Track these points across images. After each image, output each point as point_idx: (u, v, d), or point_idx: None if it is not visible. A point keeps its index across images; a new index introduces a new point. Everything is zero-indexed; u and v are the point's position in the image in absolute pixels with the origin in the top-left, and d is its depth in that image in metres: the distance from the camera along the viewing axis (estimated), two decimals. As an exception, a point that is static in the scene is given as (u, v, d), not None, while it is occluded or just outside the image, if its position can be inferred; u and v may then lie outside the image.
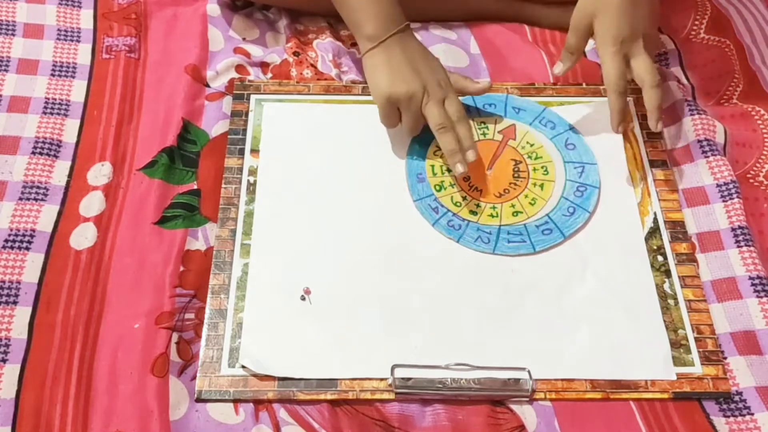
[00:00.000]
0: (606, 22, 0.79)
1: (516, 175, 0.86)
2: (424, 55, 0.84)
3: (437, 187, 0.84)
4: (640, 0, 0.78)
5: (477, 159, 0.82)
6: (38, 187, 0.82)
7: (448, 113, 0.82)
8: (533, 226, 0.82)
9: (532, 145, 0.88)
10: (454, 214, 0.82)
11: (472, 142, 0.82)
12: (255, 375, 0.71)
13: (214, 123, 0.89)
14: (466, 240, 0.80)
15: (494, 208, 0.83)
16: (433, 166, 0.86)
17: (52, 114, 0.88)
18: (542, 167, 0.86)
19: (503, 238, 0.81)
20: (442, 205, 0.83)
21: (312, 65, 0.95)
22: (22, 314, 0.73)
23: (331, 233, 0.81)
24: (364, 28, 0.83)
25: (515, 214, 0.83)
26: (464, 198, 0.83)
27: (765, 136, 0.87)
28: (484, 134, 0.89)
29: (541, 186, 0.85)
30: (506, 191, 0.84)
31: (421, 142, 0.87)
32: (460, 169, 0.81)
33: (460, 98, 0.85)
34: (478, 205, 0.83)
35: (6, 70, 0.91)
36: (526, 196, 0.84)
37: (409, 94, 0.80)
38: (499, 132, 0.89)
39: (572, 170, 0.86)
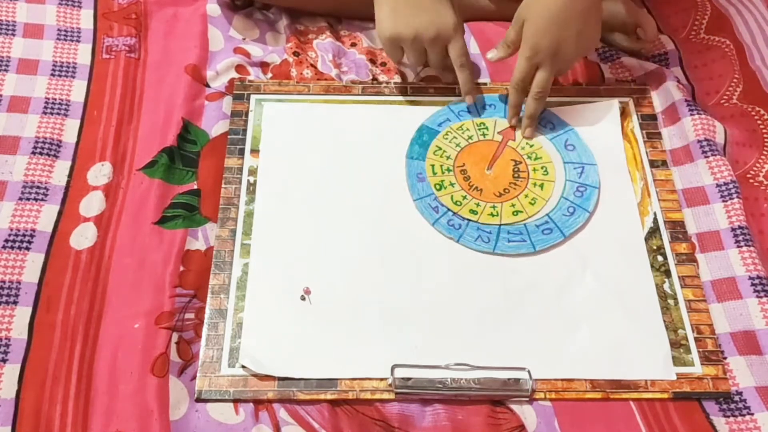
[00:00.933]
0: (531, 29, 0.82)
1: (516, 175, 0.86)
2: None
3: (437, 186, 0.84)
4: (567, 24, 0.80)
5: (477, 159, 0.82)
6: (38, 187, 0.82)
7: (451, 56, 0.85)
8: (533, 225, 0.82)
9: (531, 146, 0.88)
10: (454, 214, 0.82)
11: (470, 86, 0.87)
12: (255, 375, 0.71)
13: (214, 123, 0.89)
14: (466, 239, 0.80)
15: (494, 207, 0.83)
16: (433, 165, 0.86)
17: (52, 114, 0.88)
18: (542, 167, 0.86)
19: (503, 237, 0.81)
20: (442, 204, 0.83)
21: (312, 65, 0.95)
22: (22, 314, 0.73)
23: (331, 233, 0.81)
24: None
25: (515, 213, 0.83)
26: (464, 197, 0.83)
27: (765, 136, 0.87)
28: (483, 135, 0.89)
29: (541, 186, 0.85)
30: (506, 191, 0.84)
31: (421, 142, 0.87)
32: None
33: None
34: (478, 204, 0.83)
35: (6, 70, 0.91)
36: (526, 196, 0.84)
37: (410, 37, 0.83)
38: (498, 133, 0.89)
39: (572, 171, 0.86)
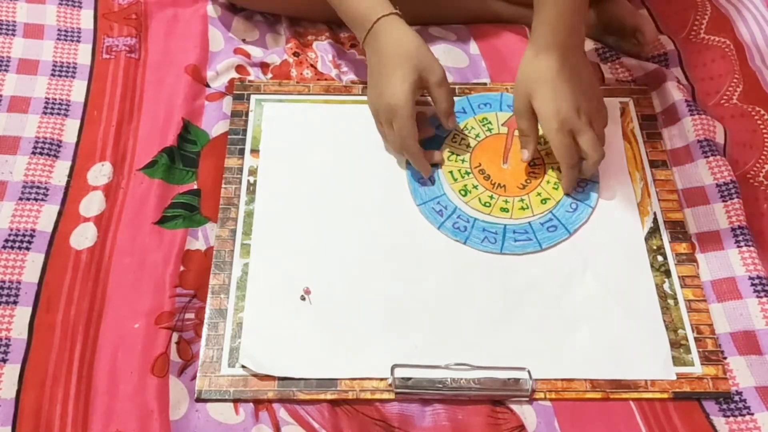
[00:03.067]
0: (544, 101, 0.78)
1: (531, 162, 0.85)
2: (390, 58, 0.80)
3: (462, 192, 0.84)
4: (573, 76, 0.78)
5: (491, 156, 0.84)
6: (38, 187, 0.82)
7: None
8: (538, 223, 0.82)
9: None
10: (458, 216, 0.82)
11: (426, 169, 0.83)
12: (255, 375, 0.71)
13: (214, 123, 0.89)
14: (473, 241, 0.80)
15: (522, 200, 0.83)
16: (451, 172, 0.85)
17: (52, 114, 0.88)
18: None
19: (509, 237, 0.81)
20: (446, 208, 0.82)
21: (312, 65, 0.95)
22: (22, 314, 0.73)
23: (330, 233, 0.81)
24: (356, 35, 0.85)
25: (543, 201, 0.83)
26: (491, 197, 0.83)
27: (765, 136, 0.87)
28: (489, 130, 0.89)
29: (560, 169, 0.83)
30: (528, 181, 0.85)
31: (420, 145, 0.87)
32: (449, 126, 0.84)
33: (457, 98, 0.84)
34: (506, 201, 0.83)
35: (6, 70, 0.91)
36: (548, 182, 0.84)
37: (372, 112, 0.84)
38: (502, 125, 0.89)
39: None
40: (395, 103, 0.79)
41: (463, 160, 0.86)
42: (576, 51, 0.80)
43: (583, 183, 0.85)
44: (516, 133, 0.86)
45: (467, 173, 0.85)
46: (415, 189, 0.84)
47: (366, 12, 0.82)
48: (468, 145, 0.87)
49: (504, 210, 0.82)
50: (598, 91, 0.82)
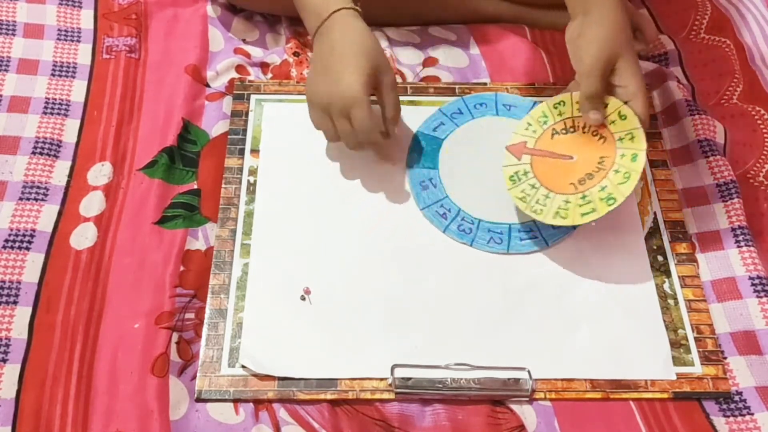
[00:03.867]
0: (629, 60, 0.76)
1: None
2: (345, 50, 0.76)
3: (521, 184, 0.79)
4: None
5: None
6: (38, 187, 0.82)
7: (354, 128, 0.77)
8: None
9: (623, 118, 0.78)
10: (462, 218, 0.82)
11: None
12: (255, 375, 0.71)
13: (214, 123, 0.89)
14: (479, 243, 0.80)
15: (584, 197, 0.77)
16: (517, 171, 0.81)
17: (52, 114, 0.88)
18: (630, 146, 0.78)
19: (515, 236, 0.81)
20: (449, 210, 0.82)
21: (312, 65, 0.95)
22: (22, 314, 0.73)
23: (330, 233, 0.81)
24: (306, 26, 0.82)
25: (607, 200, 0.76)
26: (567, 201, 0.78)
27: (765, 136, 0.87)
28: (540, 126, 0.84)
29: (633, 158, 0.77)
30: (589, 175, 0.78)
31: (420, 150, 0.87)
32: None
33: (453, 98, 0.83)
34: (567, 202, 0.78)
35: (6, 70, 0.91)
36: (617, 171, 0.77)
37: (315, 107, 0.79)
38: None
39: None
40: (353, 95, 0.75)
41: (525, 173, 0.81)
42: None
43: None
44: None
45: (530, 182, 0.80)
46: (417, 194, 0.84)
47: (323, 2, 0.79)
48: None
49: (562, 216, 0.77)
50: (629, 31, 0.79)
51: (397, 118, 0.81)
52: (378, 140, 0.80)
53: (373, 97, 0.79)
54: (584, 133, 0.80)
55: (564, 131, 0.81)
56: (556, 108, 0.82)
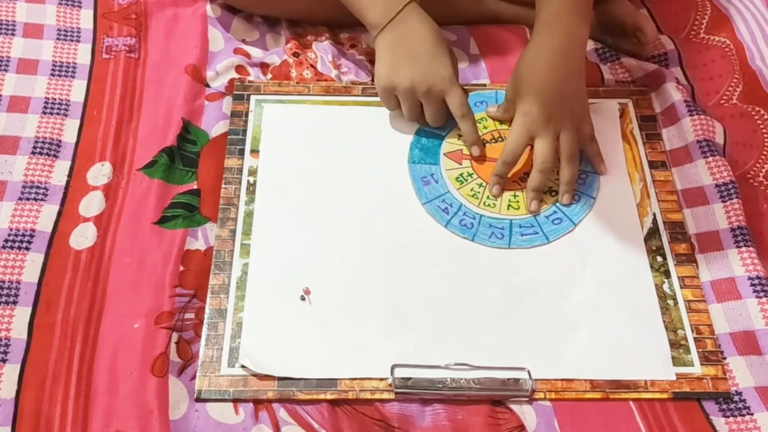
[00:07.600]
0: (525, 103, 0.83)
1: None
2: (431, 41, 0.83)
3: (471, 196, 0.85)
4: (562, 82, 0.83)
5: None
6: (38, 187, 0.82)
7: (451, 109, 0.84)
8: (543, 217, 0.82)
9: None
10: (464, 213, 0.82)
11: (474, 137, 0.85)
12: (255, 375, 0.71)
13: (214, 123, 0.89)
14: (481, 237, 0.81)
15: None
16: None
17: (51, 114, 0.88)
18: None
19: (516, 231, 0.81)
20: (451, 205, 0.83)
21: (312, 66, 0.95)
22: (22, 314, 0.73)
23: (330, 233, 0.81)
24: (366, 17, 0.84)
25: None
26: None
27: (765, 136, 0.87)
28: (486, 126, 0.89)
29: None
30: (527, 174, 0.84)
31: (421, 146, 0.87)
32: (476, 151, 0.86)
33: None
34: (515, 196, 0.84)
35: (6, 70, 0.91)
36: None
37: (404, 88, 0.82)
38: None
39: None
40: (450, 76, 0.82)
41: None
42: (569, 55, 0.82)
43: (584, 175, 0.85)
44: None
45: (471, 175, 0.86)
46: (419, 188, 0.84)
47: None
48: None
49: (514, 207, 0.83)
50: (580, 104, 0.85)
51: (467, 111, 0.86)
52: (470, 113, 0.85)
53: None
54: None
55: (493, 141, 0.88)
56: (480, 123, 0.89)
